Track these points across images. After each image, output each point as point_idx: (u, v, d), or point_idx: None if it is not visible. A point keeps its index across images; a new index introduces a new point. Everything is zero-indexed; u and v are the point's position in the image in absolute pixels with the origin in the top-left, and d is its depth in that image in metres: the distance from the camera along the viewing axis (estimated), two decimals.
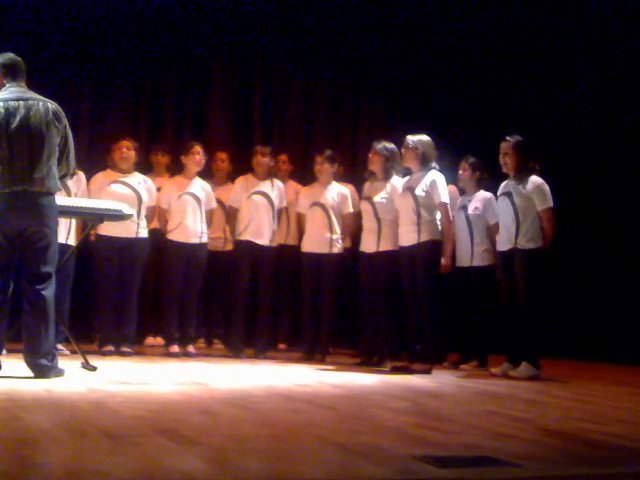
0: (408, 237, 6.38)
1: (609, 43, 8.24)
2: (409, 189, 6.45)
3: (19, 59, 5.09)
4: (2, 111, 4.85)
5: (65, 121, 5.04)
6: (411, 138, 6.52)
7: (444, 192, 6.39)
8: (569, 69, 8.53)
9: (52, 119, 4.93)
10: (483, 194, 7.02)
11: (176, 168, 7.52)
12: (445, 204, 6.39)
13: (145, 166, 7.58)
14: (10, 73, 5.03)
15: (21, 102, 4.90)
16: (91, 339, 7.45)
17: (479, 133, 8.45)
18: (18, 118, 4.85)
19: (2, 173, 4.80)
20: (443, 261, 6.42)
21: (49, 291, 4.94)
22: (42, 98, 5.00)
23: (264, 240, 7.24)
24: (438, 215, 6.38)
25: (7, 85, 5.01)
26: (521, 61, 8.86)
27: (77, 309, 7.13)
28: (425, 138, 6.52)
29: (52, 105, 4.99)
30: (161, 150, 7.98)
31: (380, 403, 4.46)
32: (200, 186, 7.30)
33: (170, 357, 6.89)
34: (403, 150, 6.58)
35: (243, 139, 9.00)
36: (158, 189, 7.26)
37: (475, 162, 7.09)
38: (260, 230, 7.24)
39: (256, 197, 7.29)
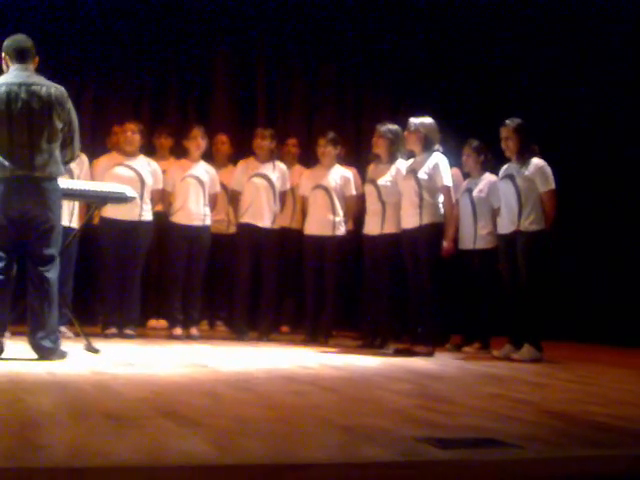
0: (410, 220, 6.37)
1: (610, 31, 8.19)
2: (412, 172, 6.43)
3: (28, 42, 4.97)
4: (4, 96, 4.79)
5: (69, 106, 4.96)
6: (414, 121, 6.48)
7: (447, 175, 6.37)
8: (572, 52, 8.48)
9: (54, 104, 4.86)
10: (489, 177, 6.97)
11: (180, 151, 7.50)
12: (448, 187, 6.36)
13: (148, 149, 7.56)
14: (16, 56, 4.94)
15: (23, 86, 4.82)
16: (94, 322, 7.45)
17: (483, 115, 8.41)
18: (20, 103, 4.79)
19: (3, 158, 4.78)
20: (445, 244, 6.40)
21: (53, 273, 4.93)
22: (46, 82, 4.91)
23: (264, 222, 7.21)
24: (441, 198, 6.35)
25: (12, 68, 4.94)
26: (524, 44, 8.80)
27: (80, 292, 7.13)
28: (428, 120, 6.48)
29: (56, 89, 4.91)
30: (164, 133, 7.93)
31: (382, 385, 4.47)
32: (204, 169, 7.27)
33: (173, 339, 6.89)
34: (406, 133, 6.54)
35: (247, 122, 8.96)
36: (164, 172, 7.24)
37: (478, 145, 7.05)
38: (260, 212, 7.21)
39: (256, 179, 7.26)
